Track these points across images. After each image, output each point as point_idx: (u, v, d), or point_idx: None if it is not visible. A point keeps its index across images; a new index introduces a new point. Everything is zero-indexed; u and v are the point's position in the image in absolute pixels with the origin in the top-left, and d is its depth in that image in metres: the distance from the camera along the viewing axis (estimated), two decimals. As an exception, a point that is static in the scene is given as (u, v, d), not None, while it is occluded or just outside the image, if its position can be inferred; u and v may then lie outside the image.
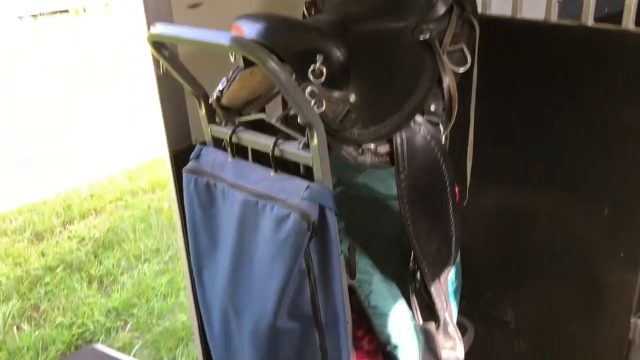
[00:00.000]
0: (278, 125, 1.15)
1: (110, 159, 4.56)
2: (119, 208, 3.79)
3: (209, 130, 1.29)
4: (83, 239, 3.39)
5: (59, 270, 3.09)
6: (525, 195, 1.89)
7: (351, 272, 1.23)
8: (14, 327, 2.69)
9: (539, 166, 1.79)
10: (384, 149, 1.14)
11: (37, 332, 2.62)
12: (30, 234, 3.49)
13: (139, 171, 4.30)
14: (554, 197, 1.80)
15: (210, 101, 1.23)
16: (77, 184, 4.10)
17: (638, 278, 1.67)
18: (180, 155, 1.47)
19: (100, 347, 2.43)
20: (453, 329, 1.36)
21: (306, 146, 1.09)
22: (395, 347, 1.29)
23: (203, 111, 1.26)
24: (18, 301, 2.86)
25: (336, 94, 1.12)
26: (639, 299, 1.70)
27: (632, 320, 1.72)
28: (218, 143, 1.32)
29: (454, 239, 1.31)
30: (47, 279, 3.01)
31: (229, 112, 1.24)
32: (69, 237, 3.43)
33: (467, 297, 2.21)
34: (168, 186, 1.53)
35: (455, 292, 1.47)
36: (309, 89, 1.07)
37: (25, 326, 2.67)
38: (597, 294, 1.82)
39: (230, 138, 1.22)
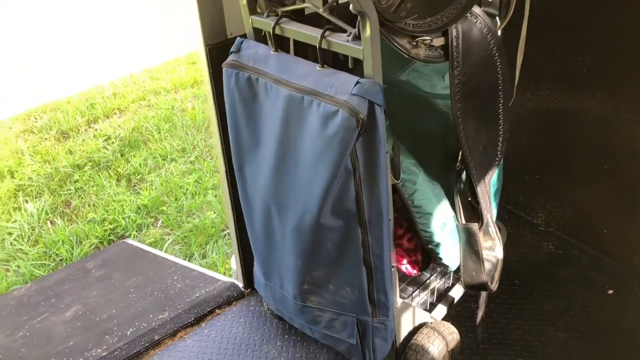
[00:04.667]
0: (325, 14, 1.09)
1: (132, 57, 4.48)
2: (142, 107, 3.76)
3: (249, 22, 1.22)
4: (109, 137, 3.40)
5: (87, 168, 3.12)
6: (570, 95, 1.82)
7: (395, 172, 1.20)
8: (48, 222, 2.76)
9: (587, 61, 1.71)
10: (438, 41, 1.08)
11: (70, 227, 2.69)
12: (56, 132, 3.50)
13: (161, 70, 4.23)
14: (599, 97, 1.74)
15: (251, -11, 1.17)
16: (99, 82, 4.06)
17: (680, 181, 1.64)
18: (216, 50, 1.42)
19: (132, 242, 2.49)
20: (493, 230, 1.35)
21: (356, 38, 1.03)
22: (437, 245, 1.30)
23: (244, 0, 1.19)
24: (50, 197, 2.92)
25: (389, -20, 1.05)
26: (677, 203, 1.69)
27: (669, 223, 1.71)
28: (258, 35, 1.26)
29: (501, 138, 1.28)
30: (76, 177, 3.05)
31: (271, 1, 1.18)
32: (94, 136, 3.43)
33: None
34: (203, 81, 1.48)
35: (495, 193, 1.45)
36: (361, -26, 1.00)
37: (58, 221, 2.74)
38: (634, 196, 1.80)
39: (274, 30, 1.16)
